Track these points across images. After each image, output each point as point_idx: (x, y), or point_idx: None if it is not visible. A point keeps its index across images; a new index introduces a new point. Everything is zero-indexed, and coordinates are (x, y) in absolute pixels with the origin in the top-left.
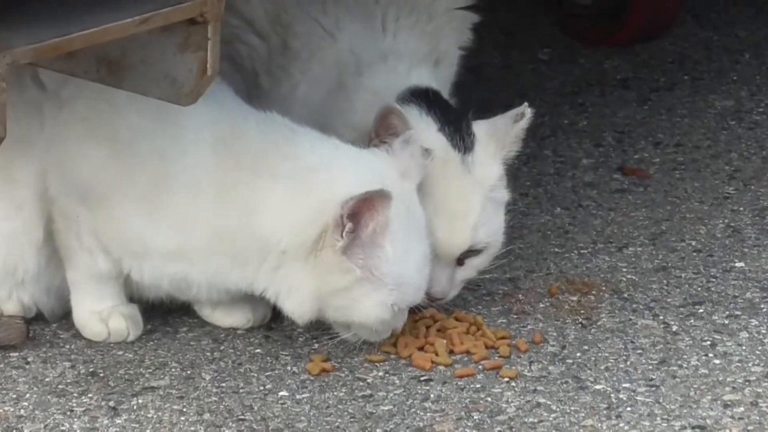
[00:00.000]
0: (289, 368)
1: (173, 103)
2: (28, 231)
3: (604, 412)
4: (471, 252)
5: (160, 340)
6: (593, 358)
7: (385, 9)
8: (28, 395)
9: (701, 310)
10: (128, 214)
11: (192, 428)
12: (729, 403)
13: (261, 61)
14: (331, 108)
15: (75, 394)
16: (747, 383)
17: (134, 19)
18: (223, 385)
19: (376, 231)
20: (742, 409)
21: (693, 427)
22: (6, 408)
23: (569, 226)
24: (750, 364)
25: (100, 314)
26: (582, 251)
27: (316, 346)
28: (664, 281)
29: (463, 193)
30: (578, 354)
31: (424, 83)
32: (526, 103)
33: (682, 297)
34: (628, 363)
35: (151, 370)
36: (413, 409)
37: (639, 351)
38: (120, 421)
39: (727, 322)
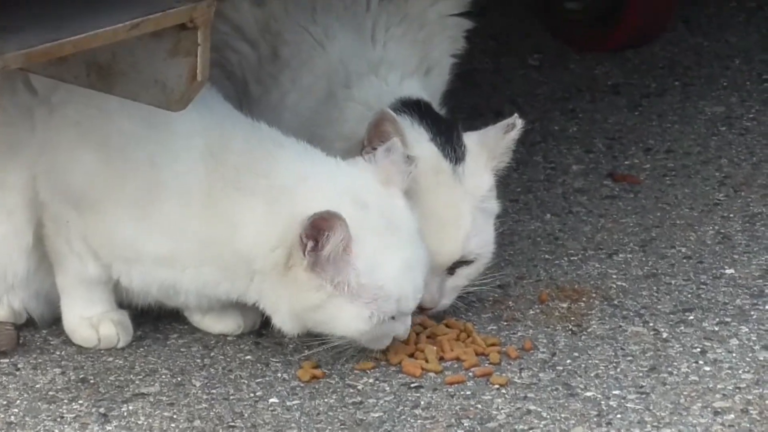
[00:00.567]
0: (279, 375)
1: (163, 108)
2: (17, 236)
3: (595, 419)
4: (462, 262)
5: (150, 347)
6: (583, 365)
7: (375, 18)
8: (18, 402)
9: (691, 317)
10: (119, 219)
11: None
12: (719, 410)
13: (251, 68)
14: (322, 117)
15: (65, 401)
16: (737, 390)
17: (125, 24)
18: (214, 391)
19: (339, 248)
20: (732, 416)
21: None
22: None
23: (559, 233)
24: (740, 371)
25: (90, 320)
26: (572, 258)
27: (307, 352)
28: (654, 288)
29: (454, 203)
30: (568, 361)
31: (414, 93)
32: (516, 114)
33: (672, 304)
34: (618, 370)
35: (141, 377)
36: (403, 416)
37: (629, 358)
38: (110, 428)
39: (717, 329)
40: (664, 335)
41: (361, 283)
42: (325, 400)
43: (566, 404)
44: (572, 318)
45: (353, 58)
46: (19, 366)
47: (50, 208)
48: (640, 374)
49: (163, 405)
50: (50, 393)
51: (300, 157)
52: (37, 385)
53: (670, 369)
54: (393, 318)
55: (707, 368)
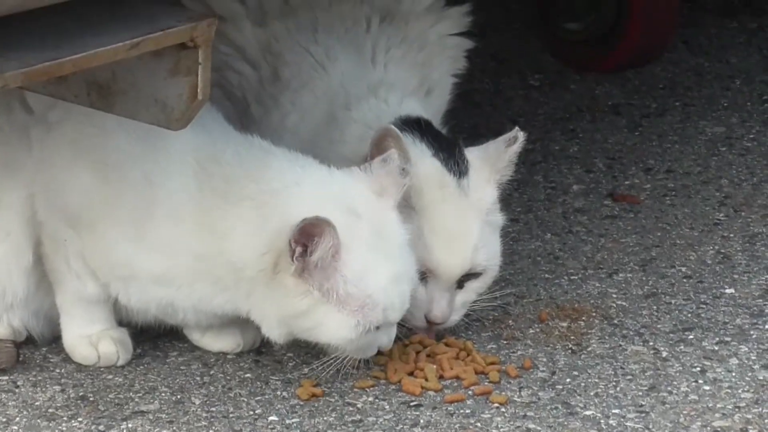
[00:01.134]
0: (279, 393)
1: (163, 127)
2: (17, 255)
3: None
4: (471, 275)
5: (149, 365)
6: (583, 384)
7: (375, 39)
8: (18, 419)
9: (691, 336)
10: (115, 238)
11: None
12: (719, 429)
13: (251, 89)
14: (323, 139)
15: (65, 418)
16: (737, 409)
17: (125, 43)
18: (213, 409)
19: (328, 254)
20: None
21: None
22: None
23: (559, 252)
24: (740, 391)
25: (90, 338)
26: (572, 277)
27: (306, 370)
28: (654, 307)
29: (460, 215)
30: (568, 380)
31: (414, 112)
32: (517, 127)
33: (671, 323)
34: (618, 389)
35: (140, 395)
36: None
37: (629, 377)
38: None
39: (716, 348)
40: (664, 354)
41: (348, 291)
42: (325, 418)
43: (566, 423)
44: (572, 337)
45: (353, 79)
46: (19, 383)
47: (48, 226)
48: (640, 393)
49: (163, 423)
50: (50, 410)
51: (291, 164)
52: (37, 403)
53: (669, 388)
54: (378, 328)
55: (707, 387)
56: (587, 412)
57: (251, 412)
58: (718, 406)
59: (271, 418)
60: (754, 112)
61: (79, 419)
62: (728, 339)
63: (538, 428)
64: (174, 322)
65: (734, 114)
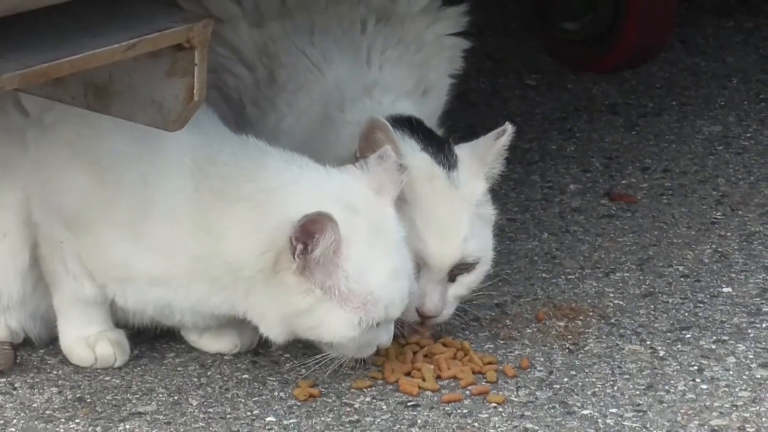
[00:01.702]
0: (276, 394)
1: (160, 128)
2: (13, 256)
3: None
4: (463, 267)
5: (147, 366)
6: (580, 384)
7: (371, 41)
8: (15, 421)
9: (688, 336)
10: (112, 239)
11: None
12: (716, 428)
13: (248, 91)
14: (318, 141)
15: (62, 420)
16: (734, 408)
17: (121, 44)
18: (210, 410)
19: (330, 250)
20: None
21: None
22: None
23: (556, 252)
24: (737, 389)
25: (87, 340)
26: (569, 276)
27: (303, 371)
28: (652, 306)
29: (450, 206)
30: (565, 379)
31: (406, 112)
32: (507, 122)
33: (669, 322)
34: (615, 388)
35: (138, 396)
36: None
37: (626, 376)
38: None
39: (714, 347)
40: (661, 353)
41: (350, 287)
42: (322, 418)
43: (563, 422)
44: (569, 336)
45: (348, 81)
46: (16, 385)
47: (44, 228)
48: (637, 392)
49: (160, 424)
50: (47, 412)
51: (287, 163)
52: (34, 405)
53: (667, 387)
54: (378, 325)
55: (704, 386)
56: (585, 412)
57: (248, 413)
58: (716, 404)
59: (268, 418)
60: (751, 111)
61: (77, 421)
62: (726, 338)
63: (536, 428)
64: (171, 323)
65: (731, 113)
